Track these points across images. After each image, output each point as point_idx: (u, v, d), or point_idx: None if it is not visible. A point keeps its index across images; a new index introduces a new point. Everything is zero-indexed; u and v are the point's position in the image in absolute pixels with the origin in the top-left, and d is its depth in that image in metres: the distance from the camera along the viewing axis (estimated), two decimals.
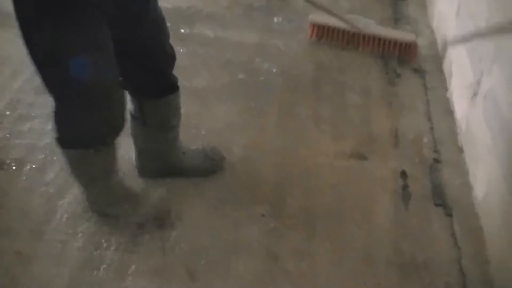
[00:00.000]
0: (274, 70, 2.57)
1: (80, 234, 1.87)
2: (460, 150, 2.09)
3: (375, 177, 2.05)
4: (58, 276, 1.76)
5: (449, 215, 1.90)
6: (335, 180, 2.04)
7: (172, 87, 1.86)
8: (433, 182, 2.01)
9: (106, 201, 1.89)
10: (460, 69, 2.20)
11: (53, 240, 1.86)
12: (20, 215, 1.95)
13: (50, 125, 2.26)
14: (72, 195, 2.00)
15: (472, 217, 1.87)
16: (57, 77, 1.53)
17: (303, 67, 2.59)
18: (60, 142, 1.71)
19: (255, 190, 2.02)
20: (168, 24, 1.78)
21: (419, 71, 2.52)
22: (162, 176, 2.03)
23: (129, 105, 1.87)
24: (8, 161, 2.14)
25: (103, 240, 1.85)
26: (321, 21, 2.70)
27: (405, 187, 2.00)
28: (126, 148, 1.99)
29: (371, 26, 2.65)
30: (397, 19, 2.89)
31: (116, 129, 1.72)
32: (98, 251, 1.82)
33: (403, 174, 2.04)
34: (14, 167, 2.12)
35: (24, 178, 2.07)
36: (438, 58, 2.56)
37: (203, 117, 2.31)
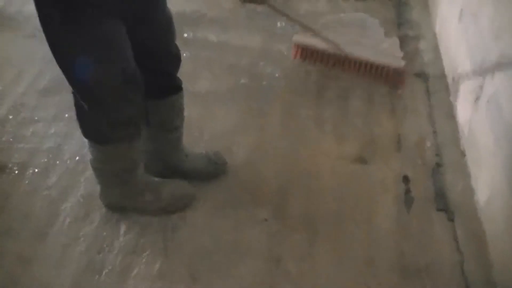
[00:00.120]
0: (277, 75, 2.57)
1: (82, 238, 1.88)
2: (463, 154, 2.09)
3: (377, 181, 2.04)
4: (60, 279, 1.77)
5: (451, 219, 1.89)
6: (337, 183, 2.04)
7: (176, 87, 1.89)
8: (436, 186, 2.01)
9: (129, 194, 1.91)
10: (463, 73, 2.20)
11: (55, 244, 1.87)
12: (22, 218, 1.96)
13: (53, 129, 2.29)
14: (75, 199, 2.01)
15: (474, 221, 1.87)
16: (66, 75, 1.61)
17: (305, 71, 2.59)
18: (86, 136, 1.78)
19: (257, 192, 2.02)
20: None
21: (421, 75, 2.51)
22: (166, 178, 2.03)
23: None
24: (10, 165, 2.15)
25: (105, 244, 1.86)
26: (306, 42, 2.58)
27: (407, 191, 2.00)
28: None
29: (358, 48, 2.52)
30: (400, 23, 2.89)
31: (134, 126, 1.77)
32: (101, 254, 1.83)
33: (405, 178, 2.04)
34: (16, 171, 2.12)
35: (26, 181, 2.08)
36: (440, 62, 2.55)
37: (206, 120, 2.32)
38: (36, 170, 2.13)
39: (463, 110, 2.15)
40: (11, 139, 2.27)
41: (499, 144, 1.74)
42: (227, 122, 2.31)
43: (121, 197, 1.91)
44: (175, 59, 1.84)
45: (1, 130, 2.32)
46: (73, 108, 2.24)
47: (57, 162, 2.16)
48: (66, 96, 2.43)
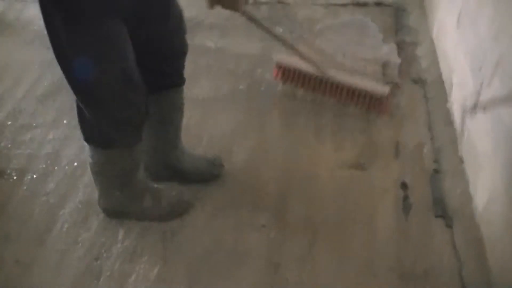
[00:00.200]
0: (275, 81, 2.57)
1: (81, 244, 1.88)
2: (461, 161, 2.09)
3: (376, 188, 2.05)
4: (58, 285, 1.77)
5: (450, 226, 1.89)
6: (336, 190, 2.04)
7: (178, 81, 1.91)
8: (434, 192, 2.01)
9: (128, 199, 1.91)
10: (461, 79, 2.20)
11: (54, 249, 1.87)
12: (21, 223, 1.96)
13: (51, 135, 2.29)
14: (73, 204, 2.01)
15: (472, 227, 1.86)
16: (66, 76, 1.60)
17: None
18: (86, 140, 1.78)
19: (256, 199, 2.02)
20: None
21: (419, 82, 2.52)
22: (164, 178, 2.04)
23: None
24: (9, 171, 2.15)
25: (103, 250, 1.86)
26: (288, 63, 2.43)
27: (405, 197, 2.00)
28: None
29: (341, 72, 2.35)
30: (397, 29, 2.89)
31: (136, 129, 1.78)
32: (99, 261, 1.83)
33: (404, 185, 2.04)
34: (15, 177, 2.13)
35: (25, 187, 2.08)
36: (438, 69, 2.56)
37: (204, 126, 2.32)
38: (35, 175, 2.13)
39: (461, 116, 2.16)
40: (9, 145, 2.27)
41: (497, 150, 1.74)
42: (225, 127, 2.31)
43: (120, 202, 1.91)
44: (182, 53, 1.87)
45: (0, 135, 2.32)
46: (72, 113, 2.25)
47: (56, 167, 2.16)
48: (64, 102, 2.46)
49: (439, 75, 2.52)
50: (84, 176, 2.09)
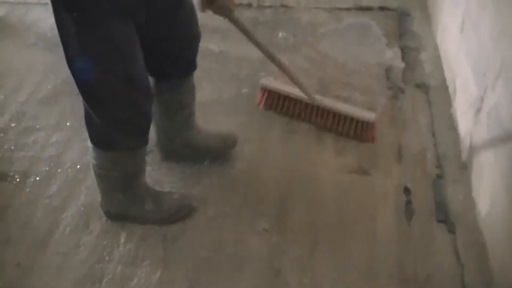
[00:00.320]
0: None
1: (82, 247, 1.88)
2: (464, 166, 2.08)
3: (378, 192, 2.04)
4: None
5: (452, 231, 1.89)
6: (338, 195, 2.04)
7: (190, 68, 1.98)
8: (436, 197, 2.00)
9: (131, 201, 1.91)
10: (464, 85, 2.20)
11: (55, 253, 1.87)
12: (22, 227, 1.96)
13: (54, 138, 2.30)
14: (76, 208, 2.01)
15: (475, 233, 1.86)
16: (72, 74, 1.64)
17: (307, 81, 2.58)
18: (92, 142, 1.80)
19: (258, 203, 2.02)
20: None
21: (422, 86, 2.51)
22: (182, 157, 2.13)
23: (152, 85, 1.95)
24: (11, 173, 2.15)
25: (105, 253, 1.86)
26: (273, 88, 2.36)
27: (408, 203, 1.99)
28: None
29: (327, 98, 2.30)
30: (401, 34, 2.89)
31: (141, 132, 1.81)
32: (100, 264, 1.83)
33: (406, 190, 2.03)
34: (18, 179, 2.13)
35: (27, 190, 2.09)
36: (441, 74, 2.56)
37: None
38: (37, 178, 2.13)
39: (464, 121, 2.15)
40: (12, 147, 2.27)
41: (499, 155, 1.74)
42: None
43: (122, 205, 1.91)
44: (199, 37, 1.93)
45: (3, 138, 2.33)
46: (75, 116, 2.27)
47: (58, 170, 2.16)
48: (67, 105, 2.46)
49: (443, 80, 2.52)
50: (87, 179, 2.10)
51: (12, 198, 2.06)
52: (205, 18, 2.94)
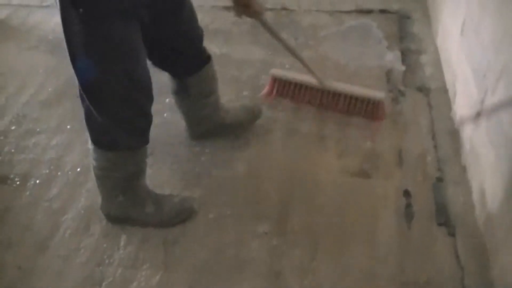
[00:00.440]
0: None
1: (83, 250, 1.88)
2: (464, 169, 2.08)
3: (379, 196, 2.04)
4: None
5: (452, 234, 1.89)
6: (339, 197, 2.04)
7: (206, 58, 2.07)
8: (436, 201, 2.00)
9: (131, 204, 1.92)
10: (464, 88, 2.20)
11: (56, 255, 1.88)
12: (23, 230, 1.96)
13: (54, 140, 2.30)
14: (76, 211, 2.01)
15: (475, 236, 1.86)
16: (75, 72, 1.65)
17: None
18: (94, 142, 1.81)
19: (258, 206, 2.02)
20: None
21: (423, 89, 2.51)
22: (211, 135, 2.26)
23: (171, 83, 2.10)
24: (12, 176, 2.16)
25: (105, 256, 1.86)
26: (283, 77, 2.45)
27: (408, 206, 1.99)
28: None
29: (338, 83, 2.38)
30: (402, 37, 2.89)
31: (142, 132, 1.83)
32: (100, 267, 1.83)
33: (406, 193, 2.03)
34: (18, 182, 2.13)
35: (28, 193, 2.09)
36: (442, 76, 2.56)
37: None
38: (38, 181, 2.13)
39: (465, 124, 2.15)
40: (12, 150, 2.28)
41: (500, 159, 1.74)
42: (228, 134, 2.31)
43: (123, 207, 1.91)
44: (201, 36, 2.01)
45: (3, 141, 2.33)
46: (75, 119, 2.27)
47: (59, 173, 2.16)
48: (68, 108, 2.47)
49: (443, 83, 2.51)
50: (87, 182, 2.10)
51: (13, 201, 2.06)
52: (207, 21, 2.97)
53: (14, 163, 2.22)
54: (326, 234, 1.92)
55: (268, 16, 3.04)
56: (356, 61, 2.69)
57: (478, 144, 1.96)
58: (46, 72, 2.72)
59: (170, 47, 1.92)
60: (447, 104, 2.39)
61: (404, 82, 2.56)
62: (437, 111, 2.38)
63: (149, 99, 1.79)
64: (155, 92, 1.81)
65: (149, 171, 1.98)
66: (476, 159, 1.97)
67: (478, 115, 1.97)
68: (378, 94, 2.34)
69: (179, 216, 1.95)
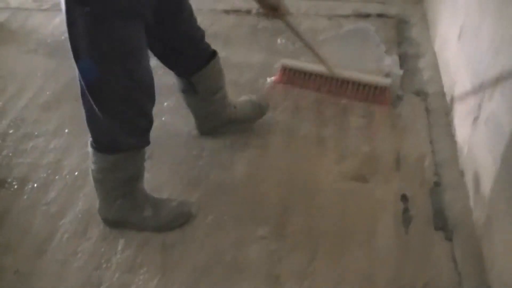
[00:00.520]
0: (276, 92, 2.58)
1: (80, 254, 1.88)
2: (461, 174, 2.09)
3: (376, 200, 2.04)
4: None
5: (450, 239, 1.89)
6: (337, 201, 2.04)
7: (210, 54, 2.12)
8: (434, 205, 2.00)
9: (129, 207, 1.92)
10: (462, 92, 2.21)
11: (53, 259, 1.87)
12: (21, 233, 1.96)
13: (52, 144, 2.30)
14: (74, 214, 2.01)
15: (473, 241, 1.86)
16: (79, 72, 1.67)
17: (305, 89, 2.59)
18: (95, 142, 1.81)
19: (257, 210, 2.02)
20: None
21: (421, 94, 2.52)
22: (220, 130, 2.31)
23: (178, 82, 2.16)
24: (10, 180, 2.16)
25: (102, 260, 1.86)
26: (293, 65, 2.62)
27: (405, 210, 1.99)
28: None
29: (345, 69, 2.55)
30: (400, 41, 2.90)
31: (142, 133, 1.85)
32: (98, 271, 1.83)
33: (404, 197, 2.03)
34: (16, 186, 2.13)
35: (25, 197, 2.09)
36: (440, 81, 2.56)
37: (206, 136, 2.32)
38: (35, 185, 2.13)
39: (462, 129, 2.16)
40: (10, 154, 2.28)
41: (497, 163, 1.74)
42: (227, 137, 2.31)
43: (121, 211, 1.91)
44: (202, 34, 2.07)
45: (2, 144, 2.33)
46: (74, 123, 2.27)
47: (56, 177, 2.16)
48: (66, 111, 2.47)
49: (441, 88, 2.52)
50: (85, 186, 2.10)
51: (11, 204, 2.06)
52: (205, 24, 2.96)
53: (12, 166, 2.22)
54: (324, 238, 1.92)
55: (266, 20, 3.09)
56: (355, 65, 2.69)
57: (476, 148, 1.96)
58: (45, 76, 2.72)
59: (171, 47, 1.97)
60: (445, 108, 2.40)
61: (402, 86, 2.56)
62: (435, 116, 2.39)
63: (151, 99, 1.81)
64: None
65: (147, 174, 1.98)
66: (474, 163, 1.97)
67: (475, 119, 1.97)
68: (384, 80, 2.50)
69: (177, 220, 1.95)
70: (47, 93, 2.62)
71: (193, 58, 2.06)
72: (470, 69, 2.12)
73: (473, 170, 1.98)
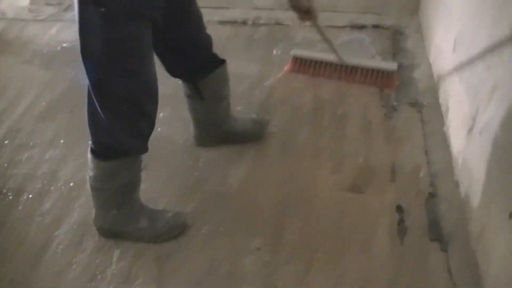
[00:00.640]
0: (273, 102, 2.58)
1: (75, 265, 1.87)
2: (456, 185, 2.09)
3: (372, 211, 2.04)
4: None
5: (445, 250, 1.89)
6: (332, 213, 2.04)
7: (218, 60, 2.13)
8: (429, 216, 2.01)
9: (125, 218, 1.92)
10: (457, 104, 2.22)
11: (48, 270, 1.87)
12: (16, 244, 1.96)
13: (48, 155, 2.30)
14: (68, 225, 2.01)
15: (468, 252, 1.86)
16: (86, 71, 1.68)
17: (301, 99, 2.60)
18: (94, 154, 1.82)
19: (252, 221, 2.02)
20: None
21: (416, 105, 2.53)
22: (217, 143, 2.30)
23: (184, 87, 2.16)
24: (5, 191, 2.15)
25: (97, 272, 1.85)
26: (303, 55, 2.78)
27: (401, 221, 1.99)
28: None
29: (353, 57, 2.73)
30: (395, 52, 2.91)
31: (143, 138, 1.85)
32: (93, 282, 1.82)
33: (399, 208, 2.04)
34: (11, 196, 2.13)
35: (20, 207, 2.08)
36: (435, 92, 2.57)
37: (200, 147, 2.32)
38: (31, 195, 2.13)
39: (457, 140, 2.16)
40: (5, 164, 2.28)
41: (492, 174, 1.75)
42: (222, 149, 2.31)
43: (116, 221, 1.91)
44: (210, 39, 2.07)
45: None
46: (69, 133, 2.27)
47: (52, 188, 2.16)
48: (61, 122, 2.47)
49: (436, 99, 2.53)
50: (80, 197, 2.10)
51: (6, 215, 2.06)
52: None
53: (7, 177, 2.22)
54: (320, 249, 1.91)
55: (262, 31, 3.11)
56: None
57: (470, 159, 1.97)
58: (41, 86, 2.73)
59: (178, 51, 1.97)
60: (440, 119, 2.40)
61: (397, 97, 2.57)
62: (429, 127, 2.39)
63: (154, 101, 1.81)
64: None
65: (142, 185, 1.97)
66: (468, 175, 1.98)
67: (470, 130, 1.98)
68: (391, 65, 2.68)
69: (172, 231, 1.95)
70: (43, 103, 2.62)
71: (200, 64, 2.07)
72: (464, 81, 2.12)
73: (468, 180, 1.98)
